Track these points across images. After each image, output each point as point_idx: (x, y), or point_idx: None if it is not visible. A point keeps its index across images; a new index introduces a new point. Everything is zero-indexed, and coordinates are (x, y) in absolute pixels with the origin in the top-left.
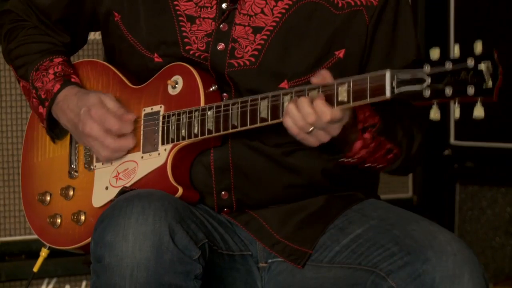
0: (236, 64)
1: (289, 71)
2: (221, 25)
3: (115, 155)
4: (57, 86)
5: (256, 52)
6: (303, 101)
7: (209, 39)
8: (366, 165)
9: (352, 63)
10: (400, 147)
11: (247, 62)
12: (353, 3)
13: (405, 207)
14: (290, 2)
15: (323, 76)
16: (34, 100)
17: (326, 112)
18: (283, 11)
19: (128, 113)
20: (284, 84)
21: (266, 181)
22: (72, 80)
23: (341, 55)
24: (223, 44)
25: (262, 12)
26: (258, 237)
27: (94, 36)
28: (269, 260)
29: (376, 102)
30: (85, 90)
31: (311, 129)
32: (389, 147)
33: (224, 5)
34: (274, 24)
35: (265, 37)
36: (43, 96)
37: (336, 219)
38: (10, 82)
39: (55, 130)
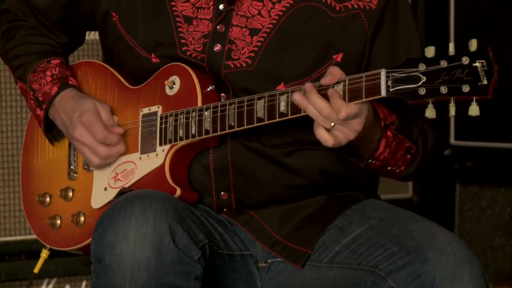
0: (232, 66)
1: (286, 73)
2: (218, 26)
3: (106, 162)
4: (55, 89)
5: (252, 54)
6: (316, 97)
7: (206, 40)
8: (387, 169)
9: (350, 67)
10: (417, 145)
11: (244, 64)
12: (350, 7)
13: (405, 207)
14: (288, 5)
15: (331, 74)
16: (32, 101)
17: (342, 107)
18: (280, 13)
19: (117, 126)
20: (281, 87)
21: (265, 181)
22: (70, 82)
23: (338, 59)
24: (219, 45)
25: (259, 14)
26: (258, 237)
27: (94, 36)
28: (269, 260)
29: (372, 100)
30: (82, 94)
31: (332, 124)
32: (407, 146)
33: (221, 6)
34: (271, 26)
35: (262, 39)
36: (40, 99)
37: (336, 219)
38: (10, 82)
39: (53, 132)
